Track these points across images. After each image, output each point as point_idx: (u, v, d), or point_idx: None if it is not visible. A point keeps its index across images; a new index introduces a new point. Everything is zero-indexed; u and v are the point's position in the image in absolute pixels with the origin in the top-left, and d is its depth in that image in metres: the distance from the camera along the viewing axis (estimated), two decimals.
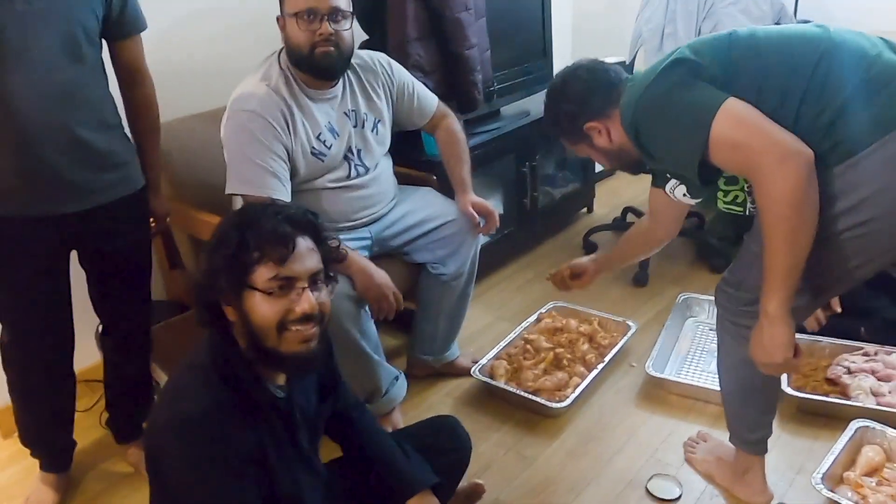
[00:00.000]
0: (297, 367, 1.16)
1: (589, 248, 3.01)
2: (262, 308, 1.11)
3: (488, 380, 2.09)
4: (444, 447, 1.53)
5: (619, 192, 3.61)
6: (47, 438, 1.79)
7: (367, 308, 1.84)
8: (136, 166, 1.69)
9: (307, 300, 1.12)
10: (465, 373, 2.18)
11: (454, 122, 2.09)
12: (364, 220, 1.95)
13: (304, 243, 1.13)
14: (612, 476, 1.78)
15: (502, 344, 2.25)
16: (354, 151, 1.91)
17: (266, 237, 1.10)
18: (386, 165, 2.03)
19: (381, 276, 1.80)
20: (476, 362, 2.17)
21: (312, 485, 1.34)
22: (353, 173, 1.91)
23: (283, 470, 1.23)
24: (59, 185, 1.50)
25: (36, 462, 1.81)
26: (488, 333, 2.43)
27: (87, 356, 2.05)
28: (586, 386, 2.03)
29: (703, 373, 2.13)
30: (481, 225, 2.03)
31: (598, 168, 3.53)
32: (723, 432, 1.87)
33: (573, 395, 1.98)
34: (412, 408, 2.05)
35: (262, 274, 1.10)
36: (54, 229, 1.54)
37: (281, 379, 1.24)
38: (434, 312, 2.11)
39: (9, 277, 1.55)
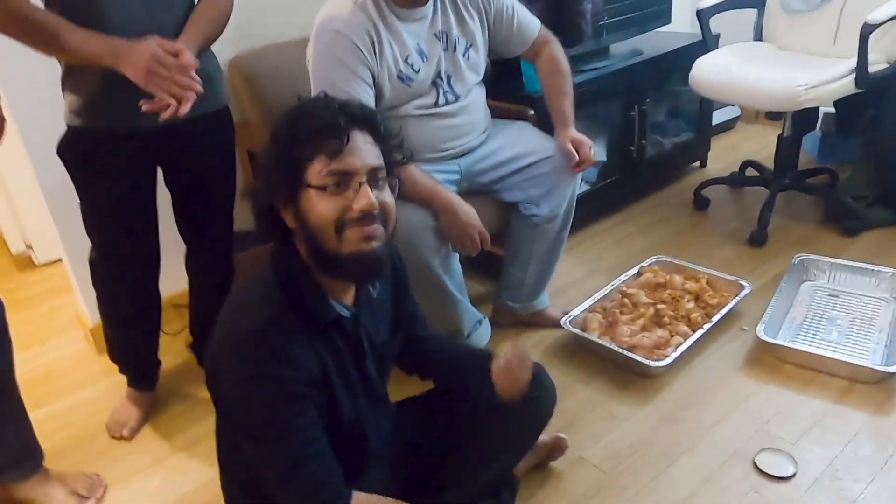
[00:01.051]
0: (360, 269, 1.05)
1: (701, 203, 2.74)
2: (319, 207, 1.01)
3: (579, 332, 1.93)
4: (526, 395, 1.39)
5: (738, 147, 3.28)
6: (133, 356, 1.81)
7: (449, 245, 1.72)
8: (222, 82, 1.64)
9: (365, 196, 1.01)
10: (555, 324, 2.03)
11: (558, 50, 1.90)
12: (452, 151, 1.82)
13: (360, 137, 1.03)
14: (713, 446, 1.59)
15: (597, 296, 2.08)
16: (444, 77, 1.77)
17: (318, 129, 1.01)
18: (478, 95, 1.88)
19: (467, 212, 1.67)
20: (567, 314, 2.01)
21: (378, 418, 1.25)
22: (442, 100, 1.77)
23: (347, 396, 1.15)
24: (144, 98, 1.46)
25: (125, 378, 1.85)
26: (581, 287, 2.26)
27: (177, 281, 2.07)
28: (689, 346, 1.83)
29: (823, 342, 1.87)
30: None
31: (717, 119, 3.22)
32: (849, 409, 1.64)
33: (674, 355, 1.79)
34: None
35: (316, 169, 1.01)
36: (139, 144, 1.51)
37: (348, 297, 1.14)
38: (524, 257, 1.97)
39: (97, 193, 1.54)
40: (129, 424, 1.78)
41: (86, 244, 1.65)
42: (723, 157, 3.17)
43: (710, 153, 3.12)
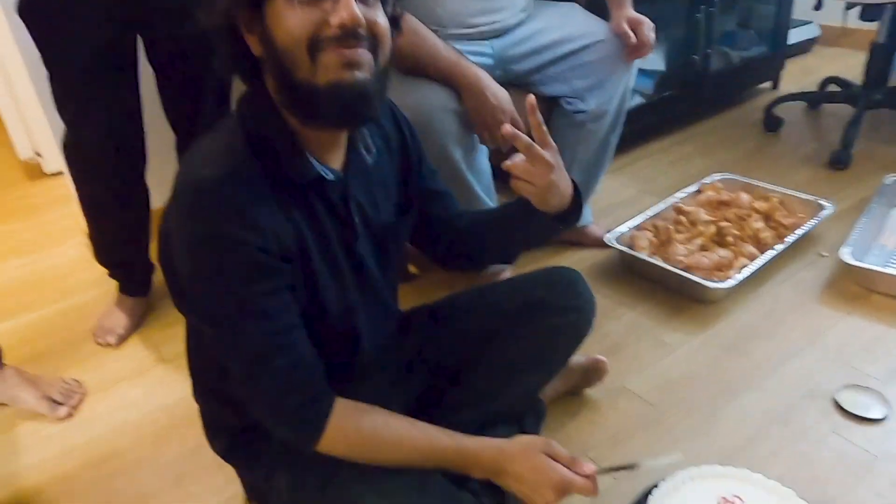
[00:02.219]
0: (340, 104, 0.80)
1: (772, 124, 2.40)
2: (288, 20, 0.77)
3: (626, 249, 1.66)
4: (558, 304, 1.14)
5: (815, 70, 2.90)
6: (120, 258, 1.63)
7: (476, 136, 1.46)
8: None
9: (347, 6, 0.76)
10: (597, 243, 1.77)
11: None
12: (484, 29, 1.54)
13: None
14: (784, 381, 1.32)
15: (648, 213, 1.80)
16: None
17: None
18: None
19: (496, 93, 1.40)
20: (611, 231, 1.74)
21: (375, 318, 1.02)
22: None
23: (332, 280, 0.92)
24: None
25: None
26: (629, 207, 1.97)
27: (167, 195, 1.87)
28: (757, 270, 1.55)
29: None
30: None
31: (792, 39, 2.84)
32: None
33: (738, 277, 1.51)
34: None
35: None
36: (112, 1, 1.29)
37: (335, 161, 0.90)
38: (566, 161, 1.64)
39: (65, 56, 1.33)
40: (117, 331, 1.60)
41: None
42: (797, 79, 2.80)
43: (783, 73, 2.76)
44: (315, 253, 0.89)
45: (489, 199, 1.54)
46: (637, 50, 1.55)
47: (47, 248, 2.08)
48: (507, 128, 0.91)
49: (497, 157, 1.55)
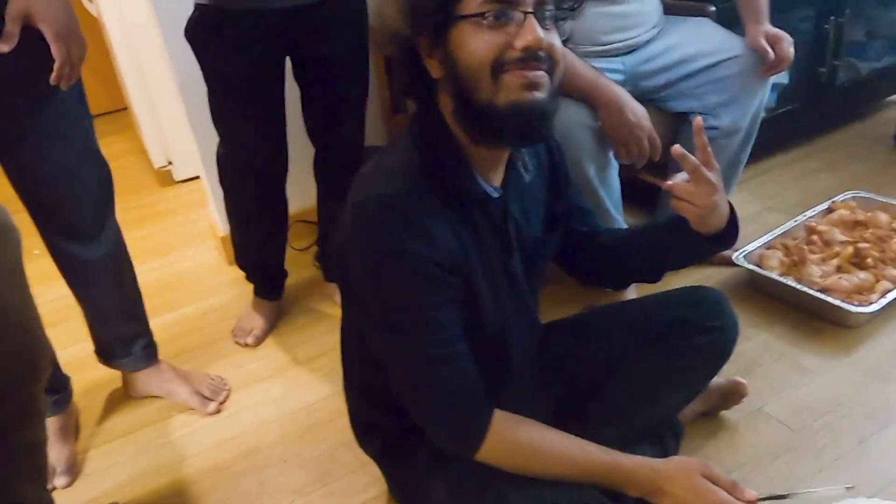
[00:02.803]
0: (520, 124, 0.84)
1: None
2: (474, 43, 0.82)
3: (756, 268, 1.63)
4: (702, 324, 1.14)
5: None
6: (259, 262, 1.73)
7: (611, 153, 1.47)
8: None
9: (531, 30, 0.80)
10: (724, 261, 1.73)
11: None
12: (617, 45, 1.55)
13: None
14: None
15: (776, 232, 1.75)
16: None
17: None
18: None
19: (635, 110, 1.41)
20: (739, 249, 1.71)
21: (523, 331, 1.05)
22: None
23: (491, 295, 0.96)
24: None
25: (251, 288, 1.78)
26: (754, 223, 1.92)
27: (305, 197, 1.97)
28: None
29: None
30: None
31: None
32: None
33: (882, 301, 1.45)
34: (650, 292, 1.65)
35: None
36: (267, 25, 1.38)
37: (496, 178, 0.94)
38: None
39: (223, 77, 1.44)
40: (254, 332, 1.70)
41: None
42: None
43: None
44: (477, 268, 0.93)
45: (618, 214, 1.54)
46: (775, 66, 1.52)
47: (182, 250, 2.23)
48: (678, 148, 0.92)
49: (624, 173, 1.56)
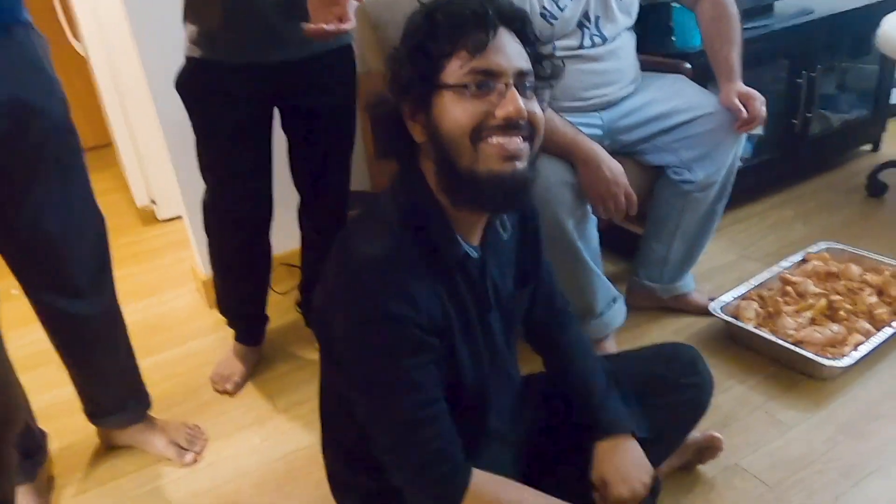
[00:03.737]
0: (499, 191, 0.86)
1: (877, 189, 2.35)
2: (455, 111, 0.84)
3: (733, 320, 1.65)
4: (677, 380, 1.16)
5: None
6: (241, 308, 1.73)
7: (588, 206, 1.50)
8: None
9: (512, 100, 0.83)
10: (701, 311, 1.76)
11: None
12: (595, 101, 1.60)
13: (507, 35, 0.86)
14: None
15: (752, 283, 1.78)
16: (591, 18, 1.56)
17: (461, 19, 0.84)
18: (628, 40, 1.65)
19: (612, 167, 1.45)
20: (715, 299, 1.74)
21: (501, 389, 1.06)
22: (588, 42, 1.55)
23: (469, 355, 0.97)
24: (266, 31, 1.36)
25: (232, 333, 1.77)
26: (731, 272, 1.97)
27: (288, 240, 1.98)
28: (875, 347, 1.51)
29: None
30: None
31: (894, 99, 2.78)
32: None
33: (856, 355, 1.48)
34: (629, 341, 1.69)
35: (456, 66, 0.84)
36: (258, 79, 1.41)
37: (474, 237, 0.96)
38: (669, 230, 1.71)
39: (212, 128, 1.46)
40: (234, 379, 1.70)
41: None
42: None
43: (884, 135, 2.69)
44: (456, 328, 0.94)
45: (596, 265, 1.57)
46: (748, 123, 1.57)
47: (164, 291, 2.22)
48: None
49: (602, 223, 1.59)
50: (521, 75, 0.86)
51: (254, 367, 1.76)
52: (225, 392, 1.69)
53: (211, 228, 1.60)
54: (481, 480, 0.92)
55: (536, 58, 0.90)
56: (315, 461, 1.39)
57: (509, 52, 0.85)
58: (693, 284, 1.82)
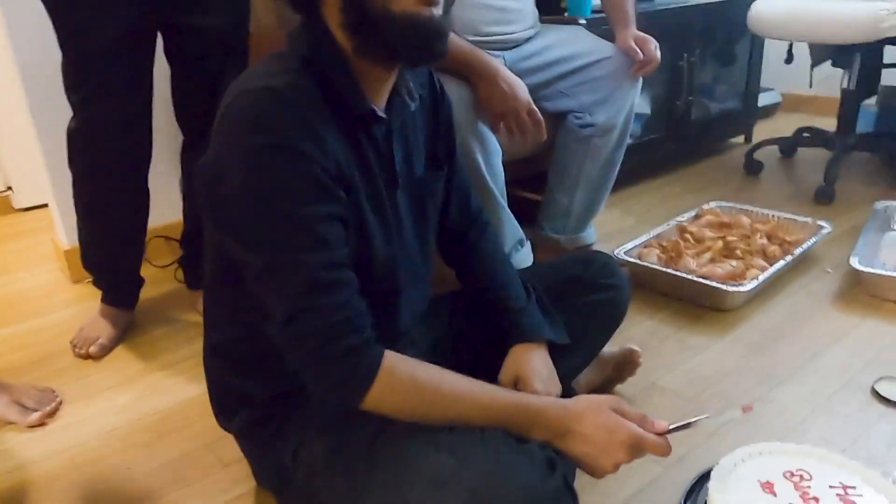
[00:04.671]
0: (414, 36, 0.78)
1: (754, 167, 2.49)
2: None
3: (637, 261, 1.65)
4: (596, 281, 1.11)
5: (784, 130, 3.03)
6: (111, 263, 1.52)
7: (493, 138, 1.45)
8: None
9: None
10: None
11: None
12: (497, 38, 1.57)
13: None
14: (819, 374, 1.29)
15: (652, 233, 1.80)
16: None
17: None
18: None
19: (512, 83, 1.40)
20: (618, 248, 1.73)
21: (412, 277, 0.95)
22: None
23: (378, 224, 0.86)
24: None
25: (97, 303, 1.55)
26: (629, 234, 1.96)
27: (166, 211, 1.80)
28: (770, 276, 1.55)
29: None
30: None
31: (764, 102, 3.02)
32: None
33: (755, 282, 1.50)
34: None
35: None
36: None
37: (380, 101, 0.86)
38: (572, 179, 1.69)
39: (82, 37, 1.28)
40: (100, 341, 1.47)
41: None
42: (767, 136, 2.92)
43: (754, 129, 2.89)
44: (363, 191, 0.83)
45: (502, 199, 1.51)
46: (644, 66, 1.60)
47: (19, 271, 1.95)
48: None
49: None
50: None
51: (123, 331, 1.54)
52: (88, 356, 1.46)
53: (77, 161, 1.40)
54: (395, 358, 0.81)
55: None
56: (197, 413, 1.24)
57: None
58: (595, 237, 1.81)
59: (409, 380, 0.81)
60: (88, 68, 1.31)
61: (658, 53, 1.61)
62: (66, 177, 1.42)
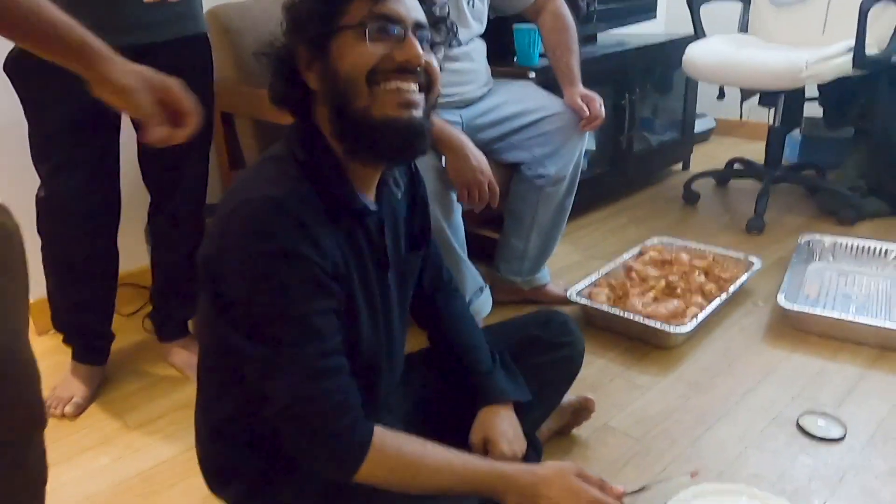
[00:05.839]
0: (395, 137, 0.86)
1: (691, 198, 2.67)
2: (354, 51, 0.84)
3: (589, 302, 1.77)
4: (553, 340, 1.22)
5: (716, 155, 3.24)
6: (82, 319, 1.55)
7: (454, 195, 1.56)
8: (202, 8, 1.46)
9: (412, 45, 0.84)
10: (559, 300, 1.86)
11: (562, 6, 1.80)
12: (454, 99, 1.68)
13: None
14: (751, 411, 1.43)
15: (601, 272, 1.93)
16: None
17: None
18: (480, 46, 1.77)
19: (478, 157, 1.52)
20: (570, 289, 1.85)
21: (393, 353, 1.05)
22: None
23: (368, 313, 0.95)
24: (113, 13, 1.28)
25: (68, 358, 1.58)
26: (580, 270, 2.11)
27: (135, 259, 1.83)
28: (708, 315, 1.70)
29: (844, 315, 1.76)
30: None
31: (699, 128, 3.21)
32: (885, 373, 1.52)
33: (695, 322, 1.65)
34: None
35: (357, 9, 0.84)
36: None
37: (370, 193, 0.95)
38: (527, 225, 1.81)
39: (49, 113, 1.33)
40: (74, 400, 1.50)
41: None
42: (703, 161, 3.12)
43: (692, 156, 3.08)
44: (356, 281, 0.92)
45: (463, 253, 1.62)
46: (590, 121, 1.73)
47: None
48: None
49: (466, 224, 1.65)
50: (418, 27, 0.87)
51: (97, 388, 1.58)
52: (63, 416, 1.49)
53: (46, 227, 1.43)
54: (383, 434, 0.89)
55: (432, 18, 0.92)
56: (180, 473, 1.28)
57: (408, 3, 0.87)
58: (549, 277, 1.93)
59: (396, 454, 0.89)
60: (55, 141, 1.35)
61: (602, 111, 1.74)
62: (33, 238, 1.45)
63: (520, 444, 1.07)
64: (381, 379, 1.03)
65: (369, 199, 0.94)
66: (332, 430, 0.85)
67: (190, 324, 1.67)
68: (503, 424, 1.07)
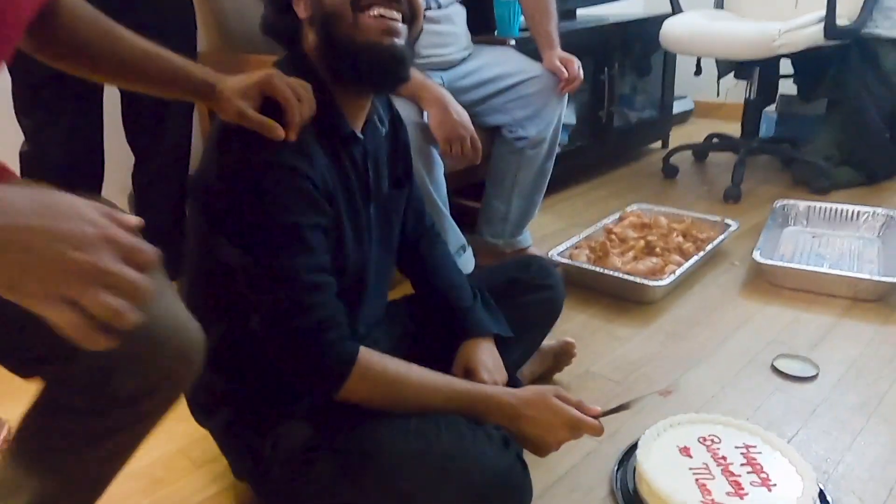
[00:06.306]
0: (378, 64, 0.89)
1: (670, 171, 2.71)
2: None
3: (569, 261, 1.80)
4: (534, 282, 1.25)
5: (694, 135, 3.29)
6: None
7: (435, 152, 1.58)
8: None
9: None
10: None
11: None
12: (435, 60, 1.70)
13: None
14: (727, 355, 1.47)
15: (582, 235, 1.97)
16: None
17: None
18: (459, 10, 1.80)
19: (460, 110, 1.55)
20: (551, 250, 1.88)
21: (375, 286, 1.07)
22: (425, 4, 1.66)
23: (353, 235, 0.97)
24: None
25: None
26: (561, 236, 2.13)
27: None
28: (686, 270, 1.74)
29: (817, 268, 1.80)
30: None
31: (678, 109, 3.26)
32: (857, 322, 1.56)
33: (673, 277, 1.68)
34: None
35: None
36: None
37: (357, 126, 0.98)
38: (508, 187, 1.84)
39: (32, 67, 1.32)
40: None
41: None
42: (681, 140, 3.17)
43: (671, 135, 3.13)
44: (342, 202, 0.94)
45: (445, 208, 1.64)
46: (569, 83, 1.76)
47: None
48: None
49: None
50: None
51: None
52: None
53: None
54: (368, 352, 0.92)
55: None
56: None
57: None
58: (531, 240, 1.96)
59: (380, 371, 0.92)
60: (40, 94, 1.35)
61: (581, 72, 1.77)
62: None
63: (500, 374, 1.09)
64: (363, 304, 1.05)
65: (356, 129, 0.97)
66: (318, 344, 0.87)
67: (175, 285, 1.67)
68: (483, 355, 1.10)
